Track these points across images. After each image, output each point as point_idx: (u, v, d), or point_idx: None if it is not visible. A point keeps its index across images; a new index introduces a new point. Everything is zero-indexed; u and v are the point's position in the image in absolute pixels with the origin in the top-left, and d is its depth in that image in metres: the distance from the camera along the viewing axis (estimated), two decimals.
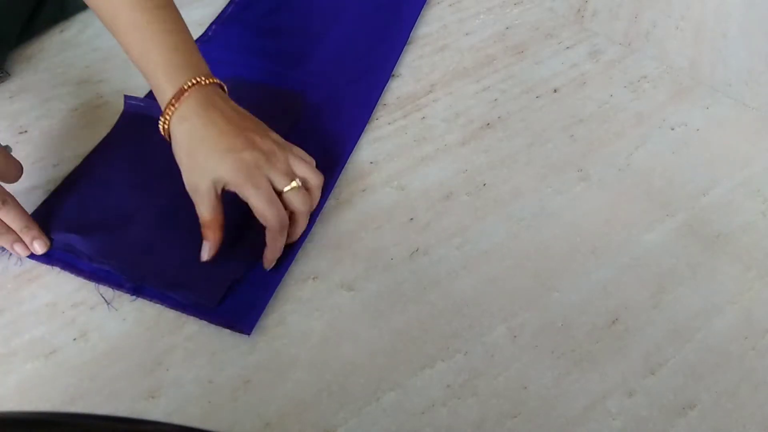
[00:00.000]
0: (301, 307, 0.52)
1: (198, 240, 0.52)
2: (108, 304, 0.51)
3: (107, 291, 0.51)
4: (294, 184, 0.49)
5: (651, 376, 0.50)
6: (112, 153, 0.59)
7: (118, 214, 0.54)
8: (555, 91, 0.69)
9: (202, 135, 0.48)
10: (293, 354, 0.49)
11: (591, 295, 0.54)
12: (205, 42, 0.70)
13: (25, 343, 0.49)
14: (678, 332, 0.52)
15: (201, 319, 0.50)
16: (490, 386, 0.48)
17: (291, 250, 0.53)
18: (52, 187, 0.57)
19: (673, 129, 0.66)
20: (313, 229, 0.55)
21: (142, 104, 0.62)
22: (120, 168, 0.58)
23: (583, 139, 0.65)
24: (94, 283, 0.51)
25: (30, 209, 0.56)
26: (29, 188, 0.57)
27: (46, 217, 0.54)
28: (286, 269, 0.53)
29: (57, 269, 0.52)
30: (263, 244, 0.51)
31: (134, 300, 0.51)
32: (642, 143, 0.65)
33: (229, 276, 0.51)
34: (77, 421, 0.28)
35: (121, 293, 0.51)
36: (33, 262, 0.53)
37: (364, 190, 0.59)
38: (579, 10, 0.76)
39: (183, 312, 0.50)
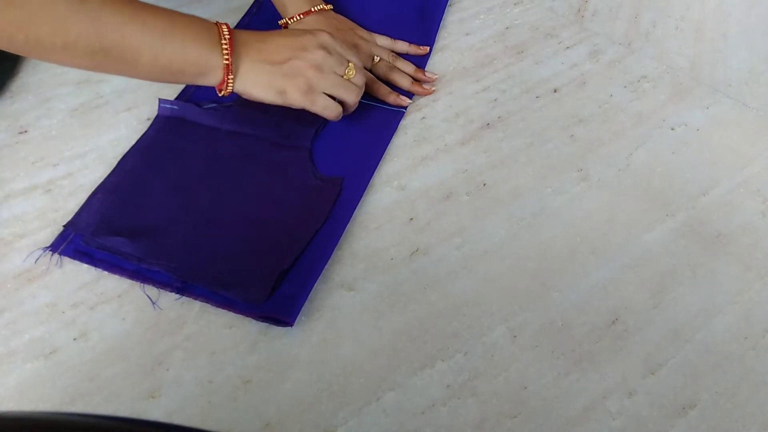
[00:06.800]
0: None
1: (242, 237, 0.54)
2: (154, 303, 0.51)
3: (152, 290, 0.52)
4: (375, 60, 0.68)
5: (651, 376, 0.50)
6: (149, 156, 0.59)
7: (162, 215, 0.55)
8: (555, 91, 0.69)
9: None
10: (293, 354, 0.49)
11: (591, 295, 0.54)
12: None
13: (25, 343, 0.49)
14: (678, 332, 0.52)
15: (246, 315, 0.51)
16: (490, 386, 0.49)
17: (325, 251, 0.54)
18: (52, 187, 0.57)
19: (673, 129, 0.66)
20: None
21: (176, 107, 0.62)
22: (159, 170, 0.58)
23: (583, 139, 0.65)
24: (139, 283, 0.52)
25: (30, 209, 0.56)
26: (29, 188, 0.57)
27: (86, 220, 0.54)
28: (324, 264, 0.53)
29: (58, 269, 0.52)
30: (301, 237, 0.54)
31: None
32: (642, 143, 0.65)
33: (275, 270, 0.52)
34: (77, 421, 0.28)
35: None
36: (33, 261, 0.53)
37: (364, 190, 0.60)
38: (579, 10, 0.76)
39: (229, 309, 0.51)
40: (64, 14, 0.47)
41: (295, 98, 0.56)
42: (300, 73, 0.55)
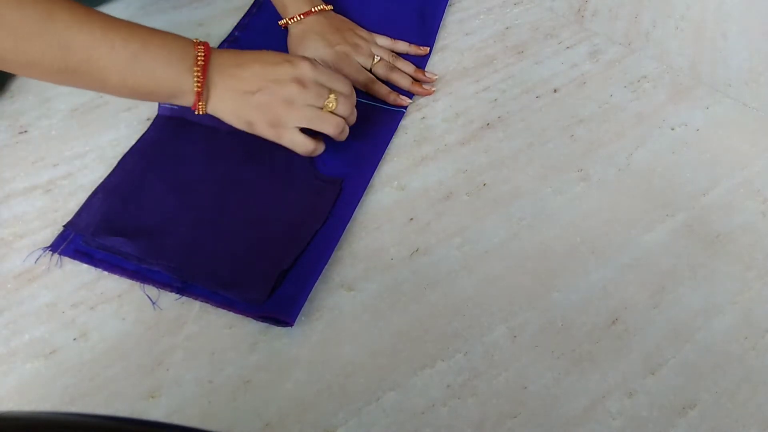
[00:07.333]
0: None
1: (242, 237, 0.54)
2: (154, 303, 0.51)
3: (152, 290, 0.52)
4: (375, 60, 0.67)
5: (651, 376, 0.50)
6: (149, 156, 0.59)
7: (162, 215, 0.55)
8: (555, 91, 0.69)
9: (313, 31, 0.66)
10: (293, 354, 0.49)
11: (591, 295, 0.54)
12: (231, 44, 0.70)
13: (25, 343, 0.49)
14: (678, 332, 0.52)
15: (246, 315, 0.51)
16: (490, 386, 0.49)
17: (326, 249, 0.54)
18: (52, 187, 0.57)
19: (673, 129, 0.66)
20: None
21: (176, 107, 0.62)
22: (159, 170, 0.58)
23: (583, 139, 0.65)
24: (139, 283, 0.52)
25: (30, 209, 0.56)
26: (29, 188, 0.57)
27: (86, 220, 0.54)
28: (324, 264, 0.53)
29: (58, 269, 0.52)
30: (301, 237, 0.55)
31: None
32: (642, 143, 0.65)
33: (275, 270, 0.52)
34: (77, 421, 0.28)
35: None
36: (33, 261, 0.53)
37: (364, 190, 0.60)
38: (579, 10, 0.76)
39: (229, 309, 0.51)
40: (29, 31, 0.46)
41: (262, 131, 0.54)
42: (268, 107, 0.53)
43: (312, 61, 0.55)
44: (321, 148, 0.57)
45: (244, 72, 0.53)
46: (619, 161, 0.63)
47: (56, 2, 0.47)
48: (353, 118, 0.58)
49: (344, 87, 0.56)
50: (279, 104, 0.53)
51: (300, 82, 0.53)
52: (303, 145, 0.55)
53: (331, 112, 0.55)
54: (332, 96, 0.55)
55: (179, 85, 0.51)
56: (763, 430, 0.48)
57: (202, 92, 0.52)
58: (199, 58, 0.51)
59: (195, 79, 0.51)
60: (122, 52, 0.49)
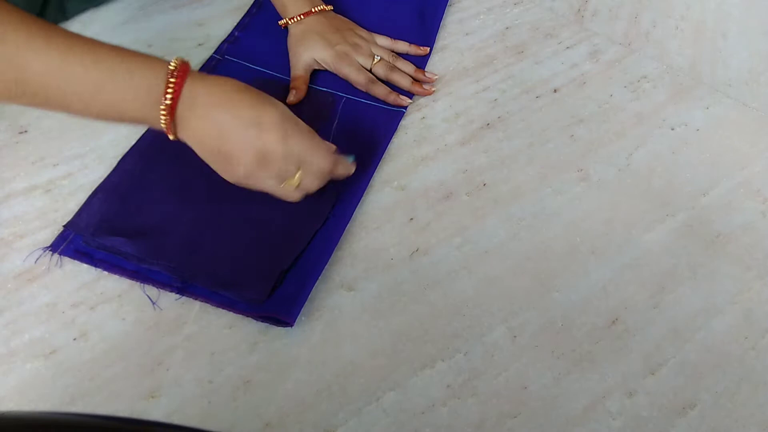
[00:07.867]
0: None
1: (242, 237, 0.54)
2: (154, 303, 0.51)
3: (152, 290, 0.52)
4: (375, 60, 0.67)
5: (651, 376, 0.50)
6: (149, 156, 0.59)
7: (162, 215, 0.55)
8: (555, 91, 0.69)
9: (314, 31, 0.67)
10: (293, 354, 0.49)
11: (591, 295, 0.54)
12: (231, 44, 0.70)
13: (25, 343, 0.49)
14: (678, 332, 0.52)
15: (246, 315, 0.51)
16: (490, 386, 0.49)
17: (326, 249, 0.54)
18: (52, 187, 0.57)
19: (673, 129, 0.66)
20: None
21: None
22: (159, 170, 0.58)
23: (583, 139, 0.65)
24: (139, 283, 0.52)
25: (30, 209, 0.56)
26: (29, 188, 0.57)
27: (86, 220, 0.54)
28: (324, 264, 0.53)
29: (58, 269, 0.52)
30: (301, 236, 0.55)
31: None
32: (642, 143, 0.65)
33: (275, 270, 0.52)
34: (77, 421, 0.28)
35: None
36: (33, 261, 0.53)
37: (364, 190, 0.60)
38: (579, 10, 0.76)
39: (229, 309, 0.51)
40: None
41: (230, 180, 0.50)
42: (232, 170, 0.49)
43: (281, 136, 0.48)
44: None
45: (210, 123, 0.48)
46: (619, 161, 0.63)
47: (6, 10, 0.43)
48: (320, 185, 0.53)
49: (321, 160, 0.51)
50: (240, 172, 0.49)
51: (264, 162, 0.49)
52: (289, 195, 0.52)
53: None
54: (297, 176, 0.50)
55: (145, 120, 0.47)
56: (763, 430, 0.48)
57: (170, 131, 0.48)
58: (166, 96, 0.46)
59: (161, 119, 0.47)
60: (84, 80, 0.44)
